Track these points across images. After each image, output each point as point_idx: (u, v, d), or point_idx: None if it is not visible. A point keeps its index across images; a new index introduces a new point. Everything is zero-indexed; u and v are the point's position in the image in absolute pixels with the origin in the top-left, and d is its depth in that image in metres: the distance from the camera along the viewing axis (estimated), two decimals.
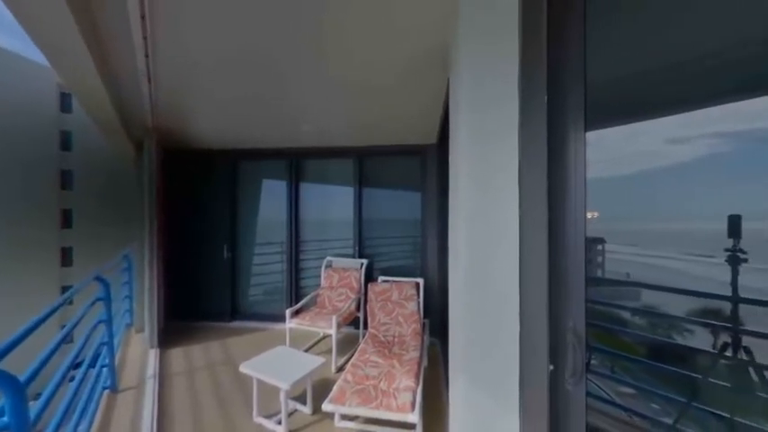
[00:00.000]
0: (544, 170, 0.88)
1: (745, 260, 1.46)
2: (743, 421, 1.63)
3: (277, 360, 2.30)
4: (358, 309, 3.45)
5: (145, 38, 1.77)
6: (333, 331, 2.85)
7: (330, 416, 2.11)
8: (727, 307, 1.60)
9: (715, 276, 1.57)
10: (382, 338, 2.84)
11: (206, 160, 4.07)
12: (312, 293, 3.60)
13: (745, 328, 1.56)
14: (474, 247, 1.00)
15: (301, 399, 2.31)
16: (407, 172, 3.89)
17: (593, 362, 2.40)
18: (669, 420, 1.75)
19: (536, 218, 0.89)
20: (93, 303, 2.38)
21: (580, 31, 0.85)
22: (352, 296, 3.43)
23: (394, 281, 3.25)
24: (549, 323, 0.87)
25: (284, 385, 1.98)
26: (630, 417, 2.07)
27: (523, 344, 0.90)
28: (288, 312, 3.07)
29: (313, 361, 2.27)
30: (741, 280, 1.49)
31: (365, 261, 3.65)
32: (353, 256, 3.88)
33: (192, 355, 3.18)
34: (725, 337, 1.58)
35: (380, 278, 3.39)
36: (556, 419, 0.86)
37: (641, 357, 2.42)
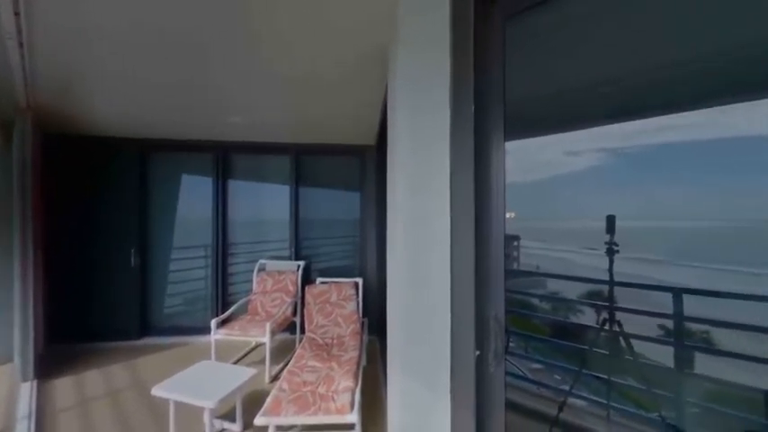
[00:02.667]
0: (471, 174, 0.96)
1: (618, 251, 1.83)
2: (616, 380, 2.04)
3: (200, 377, 2.06)
4: (295, 313, 3.31)
5: None
6: (266, 339, 2.67)
7: (264, 430, 1.97)
8: (605, 289, 1.98)
9: (599, 265, 1.93)
10: (320, 341, 2.77)
11: (107, 150, 3.43)
12: (242, 300, 3.32)
13: (618, 305, 1.96)
14: (411, 246, 1.05)
15: (231, 416, 2.11)
16: (347, 172, 3.87)
17: (510, 344, 2.74)
18: (567, 387, 2.08)
19: (465, 218, 0.97)
20: None
21: (500, 54, 0.96)
22: (288, 300, 3.27)
23: (333, 282, 3.20)
24: (475, 313, 0.95)
25: (209, 404, 1.78)
26: (539, 389, 2.41)
27: (454, 334, 0.97)
28: (213, 322, 2.77)
29: (243, 373, 2.09)
30: (615, 267, 1.87)
31: (302, 263, 3.51)
32: (290, 258, 3.70)
33: (86, 384, 2.64)
34: (604, 314, 1.95)
35: (319, 280, 3.30)
36: (481, 400, 0.95)
37: (547, 337, 2.84)
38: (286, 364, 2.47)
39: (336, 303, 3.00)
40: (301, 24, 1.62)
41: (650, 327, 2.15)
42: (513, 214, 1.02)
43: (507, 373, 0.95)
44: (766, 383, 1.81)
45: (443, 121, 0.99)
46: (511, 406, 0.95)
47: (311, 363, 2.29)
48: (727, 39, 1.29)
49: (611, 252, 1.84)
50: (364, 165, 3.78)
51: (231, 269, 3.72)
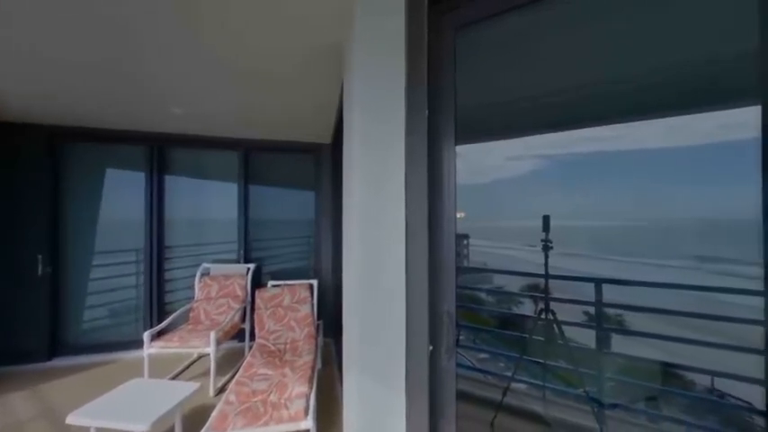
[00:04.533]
0: (425, 176, 0.99)
1: (552, 248, 2.04)
2: (550, 363, 2.27)
3: (129, 397, 1.83)
4: (244, 319, 3.11)
5: None
6: (211, 349, 2.47)
7: None
8: (541, 282, 2.20)
9: (536, 260, 2.13)
10: (272, 347, 2.64)
11: (4, 137, 2.87)
12: (183, 308, 3.02)
13: (552, 296, 2.19)
14: (367, 246, 1.05)
15: None
16: (301, 170, 3.74)
17: (460, 337, 2.90)
18: (510, 373, 2.27)
19: (419, 218, 1.00)
20: None
21: (452, 62, 1.01)
22: (236, 306, 3.06)
23: (286, 284, 3.07)
24: (429, 309, 0.99)
25: (141, 427, 1.59)
26: (486, 377, 2.59)
27: (409, 331, 1.00)
28: (146, 335, 2.48)
29: (183, 388, 1.91)
30: (550, 262, 2.08)
31: (252, 266, 3.31)
32: (238, 261, 3.46)
33: None
34: (541, 305, 2.16)
35: (270, 283, 3.14)
36: (434, 392, 0.99)
37: (493, 328, 3.06)
38: (234, 375, 2.31)
39: (290, 307, 2.89)
40: (250, 12, 1.53)
41: (577, 314, 2.44)
42: (463, 214, 1.08)
43: (457, 365, 1.00)
44: (663, 356, 2.18)
45: (399, 123, 1.01)
46: (461, 395, 1.01)
47: (262, 370, 2.17)
48: (637, 66, 1.53)
49: (546, 248, 2.05)
50: (319, 163, 3.70)
51: (168, 275, 3.36)
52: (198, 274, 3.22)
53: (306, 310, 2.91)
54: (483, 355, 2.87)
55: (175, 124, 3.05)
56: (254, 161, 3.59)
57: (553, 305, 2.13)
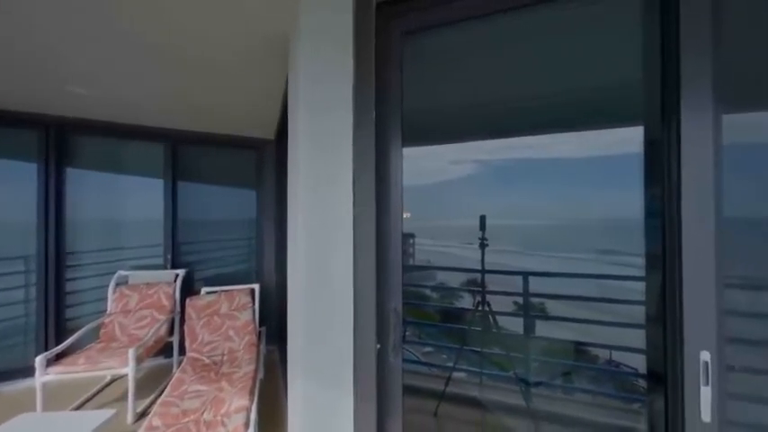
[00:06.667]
0: (373, 176, 1.00)
1: (487, 245, 2.23)
2: (486, 350, 2.48)
3: None
4: (171, 332, 2.77)
5: None
6: (129, 368, 2.15)
7: None
8: (478, 277, 2.39)
9: (474, 257, 2.31)
10: (207, 360, 2.40)
11: None
12: (90, 324, 2.57)
13: (487, 289, 2.39)
14: (314, 246, 1.02)
15: None
16: (241, 167, 3.48)
17: (407, 333, 2.99)
18: (452, 364, 2.42)
19: (366, 217, 1.00)
20: None
21: (399, 65, 1.03)
22: (162, 317, 2.72)
23: (223, 290, 2.82)
24: (376, 308, 1.00)
25: None
26: (430, 369, 2.71)
27: (357, 331, 1.00)
28: (39, 360, 2.05)
29: (91, 419, 1.62)
30: (486, 258, 2.27)
31: (181, 272, 2.97)
32: (165, 267, 3.08)
33: None
34: (478, 297, 2.35)
35: (204, 290, 2.86)
36: (381, 390, 1.01)
37: (436, 322, 3.22)
38: (159, 395, 2.04)
39: (227, 315, 2.67)
40: None
41: (508, 304, 2.71)
42: (409, 214, 1.12)
43: (403, 360, 1.04)
44: (575, 336, 2.54)
45: (346, 122, 1.00)
46: (408, 389, 1.04)
47: (194, 387, 1.96)
48: (556, 86, 1.75)
49: (482, 246, 2.23)
50: (262, 160, 3.48)
51: (71, 286, 2.84)
52: (112, 284, 2.78)
53: (246, 317, 2.71)
54: (427, 349, 3.01)
55: (82, 108, 2.59)
56: (185, 155, 3.23)
57: (488, 297, 2.33)
